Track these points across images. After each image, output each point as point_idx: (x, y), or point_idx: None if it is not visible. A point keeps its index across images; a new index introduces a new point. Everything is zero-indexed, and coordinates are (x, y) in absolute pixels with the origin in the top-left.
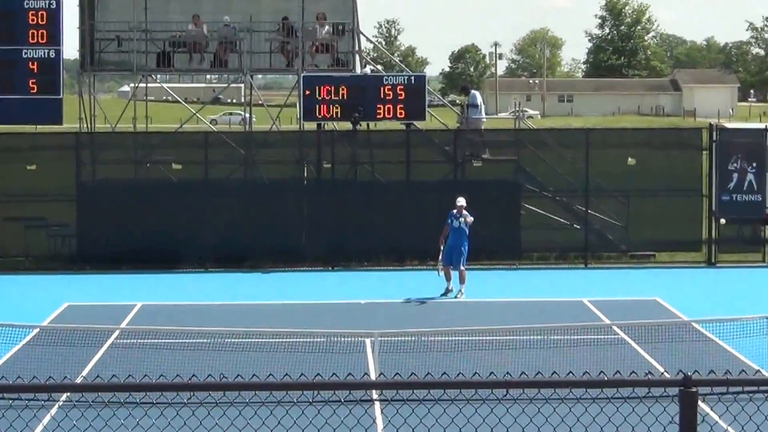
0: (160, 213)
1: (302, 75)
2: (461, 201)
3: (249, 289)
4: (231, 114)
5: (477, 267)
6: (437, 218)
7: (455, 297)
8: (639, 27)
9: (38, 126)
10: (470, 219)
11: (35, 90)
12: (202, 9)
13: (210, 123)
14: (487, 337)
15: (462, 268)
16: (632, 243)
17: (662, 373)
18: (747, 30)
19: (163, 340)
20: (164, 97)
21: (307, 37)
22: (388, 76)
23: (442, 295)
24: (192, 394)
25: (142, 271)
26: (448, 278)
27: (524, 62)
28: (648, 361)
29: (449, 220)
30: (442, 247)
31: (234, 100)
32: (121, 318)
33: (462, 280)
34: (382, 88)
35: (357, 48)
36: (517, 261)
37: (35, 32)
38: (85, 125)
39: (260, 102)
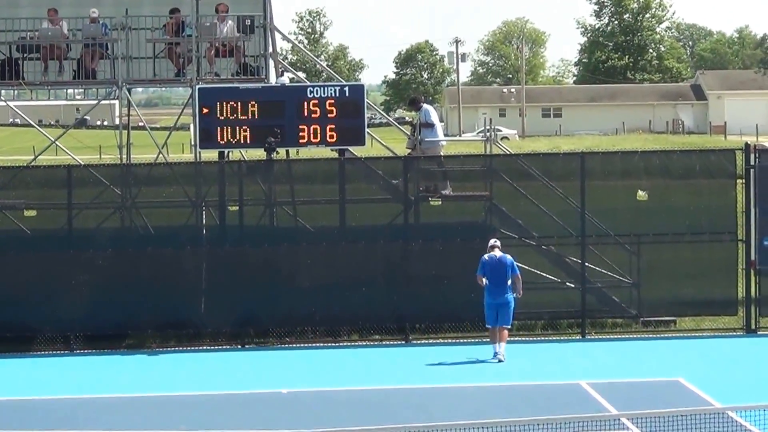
0: (7, 276)
1: (197, 87)
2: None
3: (130, 377)
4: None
5: (434, 341)
6: (384, 276)
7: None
8: (648, 15)
9: None
10: None
11: None
12: (60, 0)
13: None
14: None
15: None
16: (645, 305)
17: None
18: None
19: None
20: (11, 120)
21: (203, 36)
22: (314, 86)
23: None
24: None
25: None
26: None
27: (495, 65)
28: None
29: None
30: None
31: (105, 122)
32: None
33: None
34: (305, 103)
35: (271, 50)
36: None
37: None
38: None
39: (141, 124)
